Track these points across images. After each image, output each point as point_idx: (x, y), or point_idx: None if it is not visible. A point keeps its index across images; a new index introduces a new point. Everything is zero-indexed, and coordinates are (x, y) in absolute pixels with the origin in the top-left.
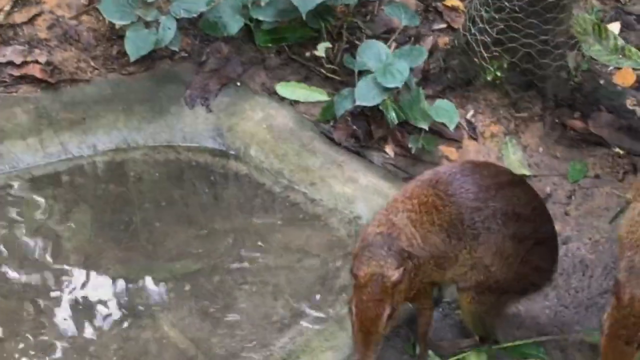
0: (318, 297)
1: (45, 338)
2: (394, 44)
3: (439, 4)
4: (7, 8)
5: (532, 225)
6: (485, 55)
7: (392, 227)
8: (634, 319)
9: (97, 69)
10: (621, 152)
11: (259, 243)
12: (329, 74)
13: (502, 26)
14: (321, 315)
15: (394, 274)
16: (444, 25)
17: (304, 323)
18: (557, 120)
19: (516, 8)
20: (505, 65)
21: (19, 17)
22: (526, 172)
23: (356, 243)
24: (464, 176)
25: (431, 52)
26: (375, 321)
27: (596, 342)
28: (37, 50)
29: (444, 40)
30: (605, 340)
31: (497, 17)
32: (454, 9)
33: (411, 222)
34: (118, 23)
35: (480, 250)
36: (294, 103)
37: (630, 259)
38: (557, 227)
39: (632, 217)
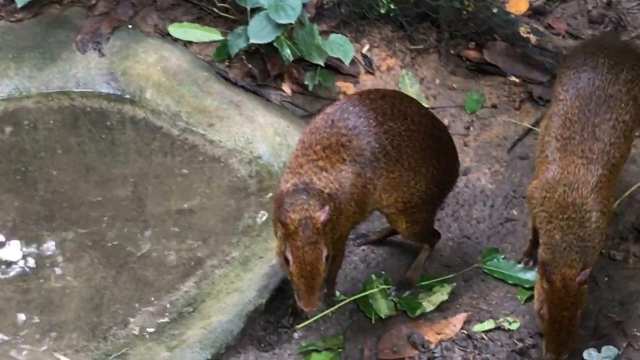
0: (221, 239)
1: None
2: None
3: None
4: None
5: (433, 132)
6: None
7: (302, 178)
8: (571, 299)
9: None
10: (517, 80)
11: (160, 187)
12: (221, 13)
13: None
14: (225, 258)
15: (321, 214)
16: None
17: (208, 266)
18: (452, 51)
19: None
20: None
21: None
22: (424, 104)
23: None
24: (356, 106)
25: None
26: (316, 264)
27: (493, 273)
28: None
29: None
30: (547, 326)
31: None
32: None
33: (320, 169)
34: None
35: (396, 170)
36: (187, 44)
37: (550, 235)
38: None
39: (546, 181)
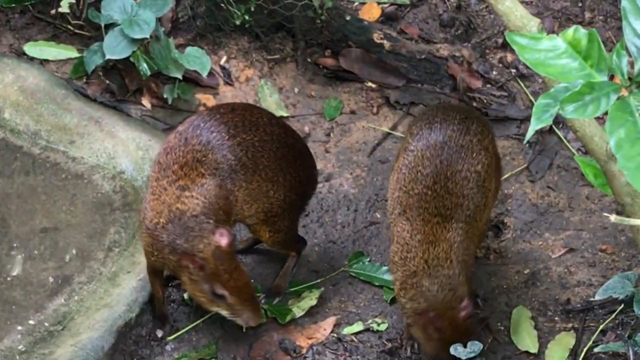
0: (88, 255)
1: None
2: None
3: None
4: None
5: (286, 140)
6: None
7: (172, 208)
8: (462, 333)
9: None
10: (373, 85)
11: (23, 206)
12: (76, 30)
13: None
14: (93, 274)
15: (221, 239)
16: None
17: (76, 283)
18: (309, 60)
19: None
20: (252, 9)
21: None
22: (284, 113)
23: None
24: (207, 122)
25: (178, 1)
26: (248, 281)
27: (360, 276)
28: None
29: None
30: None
31: None
32: None
33: (182, 189)
34: None
35: (254, 181)
36: (44, 62)
37: (418, 289)
38: (319, 165)
39: (404, 243)
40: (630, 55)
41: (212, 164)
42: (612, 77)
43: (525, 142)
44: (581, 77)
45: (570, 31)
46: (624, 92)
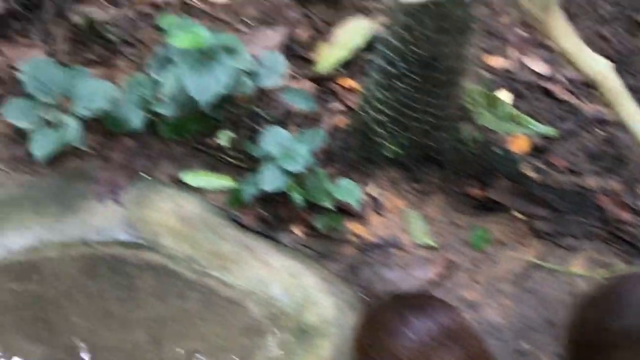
0: None
1: None
2: (294, 129)
3: (335, 85)
4: None
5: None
6: (383, 133)
7: None
8: None
9: (4, 170)
10: (521, 216)
11: (177, 329)
12: (233, 161)
13: (397, 105)
14: None
15: None
16: (341, 106)
17: None
18: (457, 190)
19: (408, 87)
20: (403, 142)
21: None
22: (431, 242)
23: None
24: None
25: (331, 133)
26: None
27: None
28: None
29: (342, 120)
30: None
31: (390, 97)
32: (350, 89)
33: None
34: (21, 125)
35: None
36: (201, 191)
37: None
38: (466, 294)
39: None
40: None
41: None
42: None
43: None
44: None
45: None
46: None
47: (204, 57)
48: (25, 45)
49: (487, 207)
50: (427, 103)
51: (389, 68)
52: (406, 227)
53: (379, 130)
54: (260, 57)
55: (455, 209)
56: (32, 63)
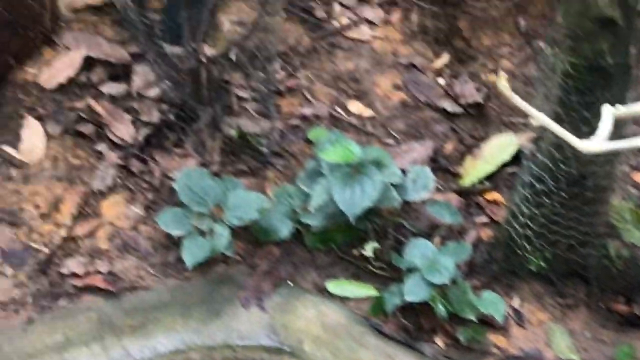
0: None
1: None
2: (438, 241)
3: (480, 198)
4: (68, 223)
5: None
6: (529, 247)
7: None
8: None
9: (155, 275)
10: None
11: None
12: (377, 271)
13: (543, 220)
14: None
15: None
16: (486, 219)
17: None
18: (602, 305)
19: (556, 204)
20: (548, 256)
21: (80, 230)
22: (575, 357)
23: None
24: None
25: (475, 245)
26: None
27: None
28: (98, 261)
29: (487, 233)
30: None
31: (537, 212)
32: (495, 202)
33: None
34: (174, 233)
35: None
36: (344, 300)
37: None
38: None
39: None
40: None
41: None
42: None
43: None
44: None
45: None
46: None
47: (354, 171)
48: (180, 155)
49: (633, 323)
50: (574, 219)
51: (537, 184)
52: (549, 341)
53: (525, 244)
54: (408, 171)
55: (600, 324)
56: (186, 173)
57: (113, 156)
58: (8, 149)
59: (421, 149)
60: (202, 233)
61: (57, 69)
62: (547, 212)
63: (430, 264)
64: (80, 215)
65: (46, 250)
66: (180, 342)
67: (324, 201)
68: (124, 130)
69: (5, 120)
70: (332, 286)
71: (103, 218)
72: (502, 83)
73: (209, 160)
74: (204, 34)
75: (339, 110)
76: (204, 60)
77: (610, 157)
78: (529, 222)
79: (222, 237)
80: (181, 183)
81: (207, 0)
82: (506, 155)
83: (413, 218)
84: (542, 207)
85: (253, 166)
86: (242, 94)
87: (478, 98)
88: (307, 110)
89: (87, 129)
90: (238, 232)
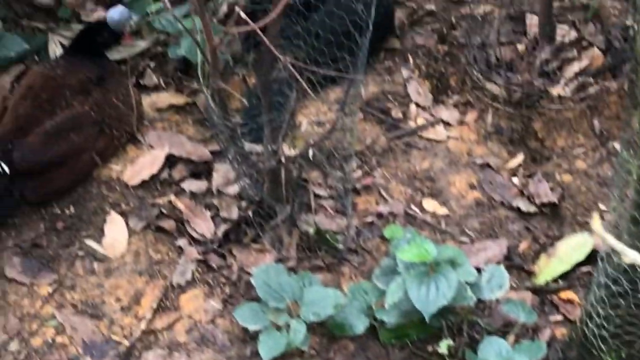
0: None
1: None
2: (513, 339)
3: (554, 296)
4: (148, 316)
5: None
6: (604, 347)
7: None
8: None
9: None
10: None
11: None
12: None
13: (619, 321)
14: None
15: None
16: (560, 318)
17: None
18: None
19: (632, 305)
20: (623, 356)
21: (160, 323)
22: None
23: None
24: None
25: (549, 344)
26: None
27: None
28: (176, 354)
29: (561, 331)
30: None
31: (612, 312)
32: (569, 301)
33: None
34: (251, 328)
35: None
36: None
37: None
38: None
39: None
40: None
41: None
42: None
43: None
44: None
45: None
46: None
47: (429, 269)
48: (257, 251)
49: None
50: None
51: (612, 286)
52: None
53: (600, 344)
54: (483, 270)
55: None
56: (263, 269)
57: (193, 251)
58: (92, 244)
59: (496, 248)
60: (278, 328)
61: (140, 166)
62: (622, 313)
63: None
64: (160, 308)
65: (126, 342)
66: None
67: (399, 298)
68: (203, 226)
69: (89, 216)
70: None
71: (182, 311)
72: (596, 224)
73: (285, 256)
74: (284, 135)
75: (414, 208)
76: (283, 160)
77: None
78: (604, 323)
79: (298, 333)
80: (259, 278)
81: (288, 104)
82: (581, 254)
83: (487, 316)
84: (618, 309)
85: (329, 262)
86: (320, 191)
87: (553, 198)
88: (382, 208)
89: (168, 224)
90: (313, 327)
